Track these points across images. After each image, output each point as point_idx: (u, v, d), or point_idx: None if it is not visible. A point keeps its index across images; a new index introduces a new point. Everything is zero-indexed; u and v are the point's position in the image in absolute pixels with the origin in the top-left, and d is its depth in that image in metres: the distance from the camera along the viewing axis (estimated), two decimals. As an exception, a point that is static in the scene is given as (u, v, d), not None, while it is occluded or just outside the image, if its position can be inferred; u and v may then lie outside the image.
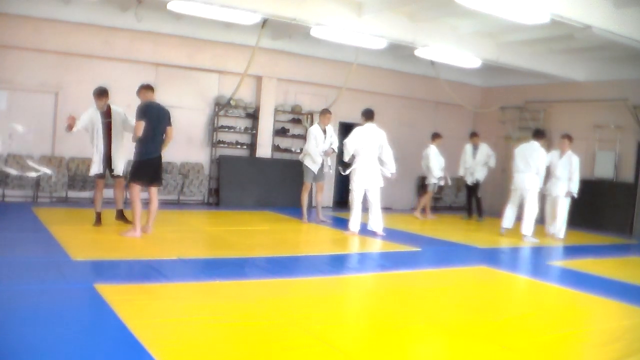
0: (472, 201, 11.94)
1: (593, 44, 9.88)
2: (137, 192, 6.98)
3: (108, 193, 8.63)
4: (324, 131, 9.50)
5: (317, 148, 9.38)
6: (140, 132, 6.78)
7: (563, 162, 9.45)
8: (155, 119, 6.94)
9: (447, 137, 11.86)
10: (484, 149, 11.61)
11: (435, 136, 11.53)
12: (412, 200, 14.11)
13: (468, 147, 11.73)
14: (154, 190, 7.25)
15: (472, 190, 11.84)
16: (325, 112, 9.62)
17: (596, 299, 5.45)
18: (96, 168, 7.53)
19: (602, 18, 7.74)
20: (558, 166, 9.46)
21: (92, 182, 10.08)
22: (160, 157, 7.13)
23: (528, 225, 9.05)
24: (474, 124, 14.37)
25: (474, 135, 11.92)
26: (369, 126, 8.64)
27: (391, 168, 8.73)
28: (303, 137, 12.07)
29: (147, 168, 6.98)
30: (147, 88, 7.12)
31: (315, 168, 9.44)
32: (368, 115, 8.74)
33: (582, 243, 9.63)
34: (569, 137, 9.64)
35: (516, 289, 6.07)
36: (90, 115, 7.56)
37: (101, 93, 7.52)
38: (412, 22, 9.56)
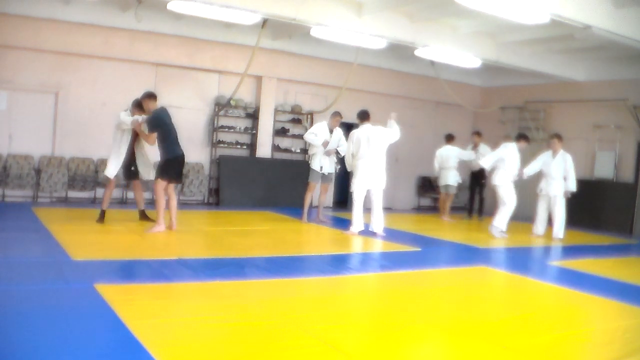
0: (480, 200, 11.93)
1: (593, 44, 9.88)
2: (162, 189, 7.39)
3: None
4: (331, 131, 9.45)
5: (316, 137, 9.31)
6: (153, 143, 7.37)
7: (557, 161, 9.47)
8: (170, 123, 7.42)
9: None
10: (483, 150, 11.53)
11: (451, 137, 11.51)
12: (412, 200, 14.13)
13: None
14: (172, 188, 7.66)
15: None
16: (335, 114, 9.53)
17: (596, 299, 5.45)
18: (114, 170, 7.77)
19: (602, 18, 7.74)
20: (552, 166, 9.47)
21: (92, 182, 10.16)
22: (184, 156, 7.58)
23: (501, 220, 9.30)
24: (474, 124, 14.38)
25: (474, 134, 11.86)
26: (365, 127, 8.62)
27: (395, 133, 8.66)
28: (303, 137, 12.06)
29: (175, 165, 7.47)
30: (152, 97, 7.47)
31: (320, 169, 9.39)
32: (362, 116, 8.72)
33: (582, 243, 9.63)
34: (558, 137, 9.69)
35: (516, 289, 6.07)
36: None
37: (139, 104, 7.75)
38: (412, 22, 9.56)
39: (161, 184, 7.38)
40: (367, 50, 10.45)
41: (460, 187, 11.90)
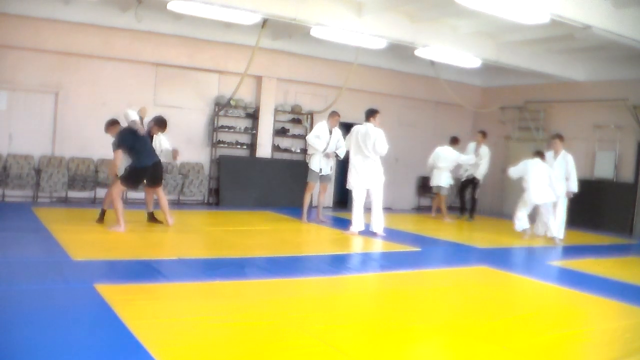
0: (473, 200, 11.91)
1: (593, 44, 9.88)
2: (120, 192, 7.58)
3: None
4: (330, 132, 9.46)
5: (317, 140, 9.34)
6: (118, 162, 7.44)
7: (558, 162, 9.41)
8: (131, 141, 7.43)
9: (447, 138, 11.84)
10: (483, 152, 11.48)
11: (455, 140, 11.51)
12: (412, 200, 14.13)
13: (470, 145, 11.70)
14: (157, 190, 7.84)
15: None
16: (333, 114, 9.55)
17: (596, 299, 5.45)
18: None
19: (602, 18, 7.74)
20: (553, 166, 9.43)
21: (92, 182, 10.15)
22: (156, 164, 7.72)
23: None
24: (474, 124, 14.38)
25: (480, 132, 11.80)
26: (365, 126, 8.62)
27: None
28: (303, 137, 12.07)
29: (139, 175, 7.58)
30: (114, 124, 7.68)
31: (318, 169, 9.41)
32: (367, 114, 8.73)
33: (582, 243, 9.63)
34: (560, 137, 9.62)
35: (516, 289, 6.07)
36: None
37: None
38: (412, 22, 9.56)
39: (119, 188, 7.50)
40: (367, 50, 10.45)
41: (455, 188, 11.91)
